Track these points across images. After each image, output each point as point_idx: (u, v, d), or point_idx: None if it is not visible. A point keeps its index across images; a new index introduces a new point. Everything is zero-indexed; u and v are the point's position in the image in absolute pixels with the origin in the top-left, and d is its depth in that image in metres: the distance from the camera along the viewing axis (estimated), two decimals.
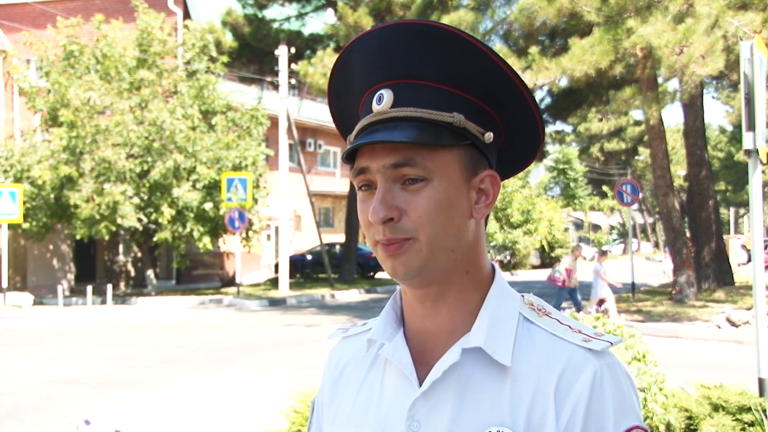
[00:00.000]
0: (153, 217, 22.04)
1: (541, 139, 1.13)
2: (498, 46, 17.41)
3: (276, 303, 21.94)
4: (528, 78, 15.10)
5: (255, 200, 23.51)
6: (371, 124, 1.06)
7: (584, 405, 1.00)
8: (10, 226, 21.78)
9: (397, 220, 1.03)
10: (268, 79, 27.76)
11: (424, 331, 1.10)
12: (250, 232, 23.89)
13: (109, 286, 21.66)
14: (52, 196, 21.53)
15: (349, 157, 1.07)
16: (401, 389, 1.08)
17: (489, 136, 1.07)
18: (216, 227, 22.90)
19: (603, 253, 15.97)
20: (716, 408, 4.89)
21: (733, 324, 13.51)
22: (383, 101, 1.05)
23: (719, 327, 13.54)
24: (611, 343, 1.03)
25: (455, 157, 1.05)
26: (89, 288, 21.12)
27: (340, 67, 1.12)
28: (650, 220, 63.71)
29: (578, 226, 62.70)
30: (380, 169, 1.03)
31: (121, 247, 24.56)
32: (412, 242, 1.03)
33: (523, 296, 1.12)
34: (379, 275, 30.72)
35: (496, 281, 1.10)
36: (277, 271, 28.13)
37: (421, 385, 1.06)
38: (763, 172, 12.48)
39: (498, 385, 1.03)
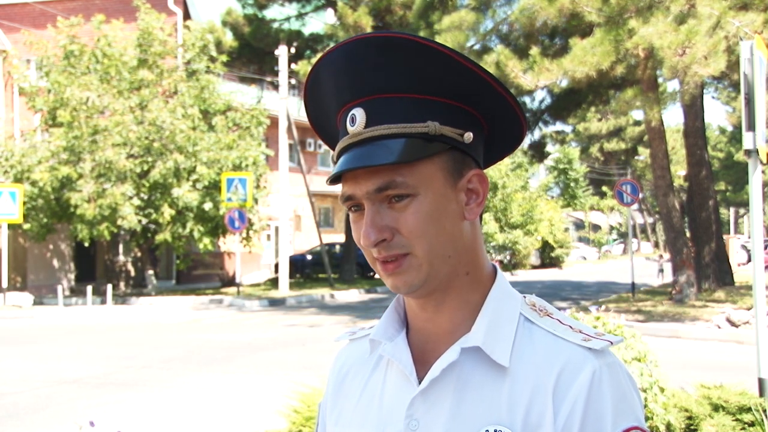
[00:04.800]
0: (153, 217, 22.04)
1: (523, 125, 1.13)
2: (499, 47, 17.40)
3: (276, 303, 21.94)
4: (530, 79, 15.10)
5: (255, 200, 23.51)
6: (348, 147, 1.07)
7: (582, 404, 1.00)
8: (11, 226, 21.78)
9: (390, 239, 1.04)
10: (268, 79, 27.76)
11: (426, 332, 1.11)
12: (250, 232, 23.89)
13: (109, 286, 21.66)
14: (52, 196, 21.53)
15: (335, 180, 1.08)
16: (401, 388, 1.09)
17: (468, 136, 1.07)
18: (216, 227, 22.90)
19: None
20: (716, 408, 4.89)
21: (733, 324, 13.50)
22: (356, 122, 1.05)
23: (719, 327, 13.54)
24: (611, 343, 1.04)
25: (437, 165, 1.05)
26: (89, 288, 21.13)
27: (311, 87, 1.13)
28: (650, 220, 63.69)
29: (578, 226, 62.70)
30: (365, 195, 1.04)
31: (121, 247, 24.56)
32: (409, 258, 1.04)
33: (524, 297, 1.13)
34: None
35: (497, 282, 1.11)
36: (277, 271, 28.12)
37: (420, 384, 1.07)
38: (763, 172, 12.48)
39: (497, 385, 1.04)
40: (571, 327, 1.07)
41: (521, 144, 1.19)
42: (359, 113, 1.05)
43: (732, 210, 69.56)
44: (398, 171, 1.03)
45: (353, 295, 24.74)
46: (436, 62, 1.04)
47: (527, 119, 1.17)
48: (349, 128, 1.06)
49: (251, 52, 27.05)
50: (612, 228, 67.02)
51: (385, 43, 1.04)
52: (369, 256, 1.07)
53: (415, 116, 1.04)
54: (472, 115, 1.09)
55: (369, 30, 15.95)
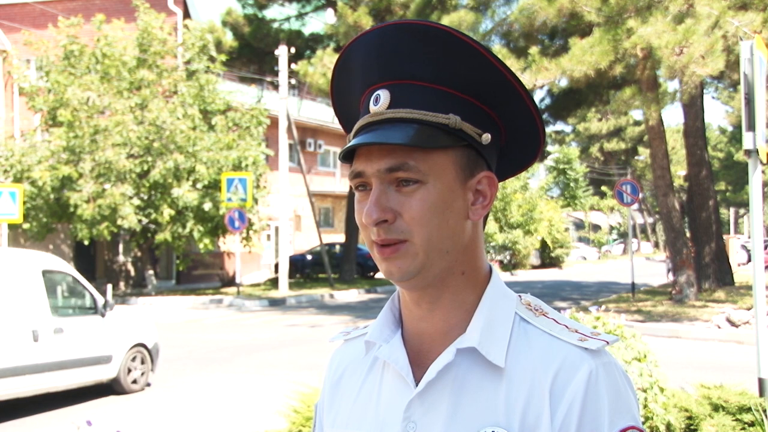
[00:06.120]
0: (153, 217, 22.04)
1: (542, 140, 1.14)
2: (498, 47, 17.40)
3: (276, 303, 21.94)
4: (528, 78, 15.10)
5: (255, 200, 23.50)
6: (368, 125, 1.07)
7: (579, 404, 1.00)
8: (11, 226, 21.77)
9: (392, 221, 1.03)
10: (268, 79, 27.75)
11: (421, 332, 1.10)
12: (250, 232, 23.88)
13: (109, 286, 21.56)
14: (52, 196, 21.54)
15: (347, 157, 1.08)
16: (398, 390, 1.09)
17: (486, 137, 1.07)
18: (216, 227, 22.90)
19: None
20: (716, 408, 4.89)
21: (733, 324, 13.50)
22: (380, 102, 1.06)
23: (719, 327, 13.54)
24: (607, 342, 1.04)
25: (451, 158, 1.05)
26: None
27: (340, 67, 1.13)
28: (650, 220, 63.69)
29: (578, 226, 62.68)
30: (375, 173, 1.04)
31: (121, 247, 24.56)
32: (407, 245, 1.03)
33: (520, 296, 1.12)
34: (378, 275, 30.73)
35: (492, 282, 1.10)
36: (277, 271, 28.12)
37: (417, 386, 1.06)
38: (763, 172, 12.49)
39: (493, 386, 1.03)
40: (567, 327, 1.07)
41: (536, 160, 1.19)
42: (384, 94, 1.06)
43: (732, 210, 69.55)
44: (412, 155, 1.03)
45: (353, 295, 24.74)
46: (470, 59, 1.04)
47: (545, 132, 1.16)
48: (372, 107, 1.07)
49: (251, 52, 27.04)
50: (612, 228, 67.03)
51: (422, 32, 1.04)
52: (367, 237, 1.07)
53: (438, 107, 1.05)
54: (492, 119, 1.09)
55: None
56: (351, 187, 1.12)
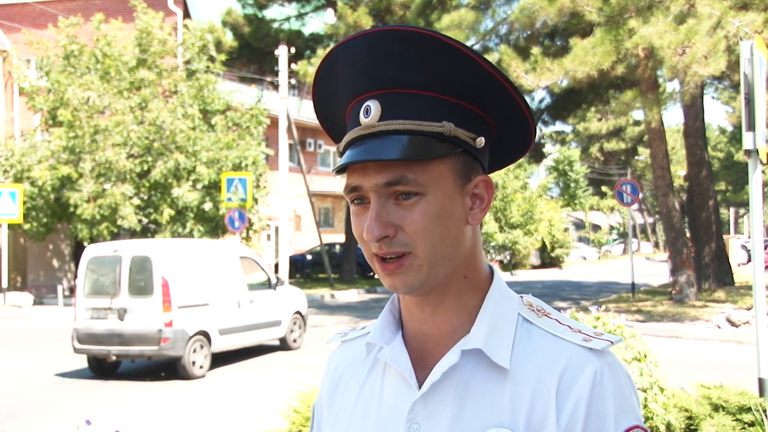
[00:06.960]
0: (153, 217, 22.04)
1: (532, 136, 1.13)
2: (501, 47, 17.38)
3: None
4: (531, 80, 15.09)
5: (255, 200, 23.50)
6: (359, 138, 1.04)
7: (585, 404, 1.00)
8: (11, 226, 21.77)
9: (393, 236, 1.02)
10: (268, 79, 27.74)
11: (423, 334, 1.10)
12: (250, 232, 23.88)
13: None
14: (52, 196, 21.54)
15: (341, 170, 1.07)
16: (401, 392, 1.08)
17: (480, 141, 1.06)
18: (216, 227, 22.89)
19: None
20: (716, 408, 4.89)
21: (733, 324, 13.50)
22: (371, 114, 1.03)
23: (719, 327, 13.53)
24: (611, 343, 1.03)
25: (448, 166, 1.04)
26: None
27: (324, 73, 1.10)
28: (650, 220, 63.67)
29: (578, 226, 62.66)
30: (373, 187, 1.02)
31: None
32: (411, 258, 1.02)
33: (522, 297, 1.12)
34: None
35: (494, 283, 1.10)
36: (277, 271, 28.12)
37: (420, 388, 1.06)
38: (763, 172, 12.49)
39: (498, 387, 1.03)
40: (570, 327, 1.07)
41: (524, 156, 1.18)
42: (374, 105, 1.03)
43: (732, 210, 69.54)
44: (410, 168, 1.01)
45: (353, 295, 24.73)
46: (460, 64, 1.03)
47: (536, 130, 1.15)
48: (362, 119, 1.04)
49: (251, 52, 27.03)
50: (612, 228, 67.00)
51: (410, 38, 1.02)
52: (368, 251, 1.05)
53: (432, 115, 1.03)
54: (485, 121, 1.08)
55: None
56: None
